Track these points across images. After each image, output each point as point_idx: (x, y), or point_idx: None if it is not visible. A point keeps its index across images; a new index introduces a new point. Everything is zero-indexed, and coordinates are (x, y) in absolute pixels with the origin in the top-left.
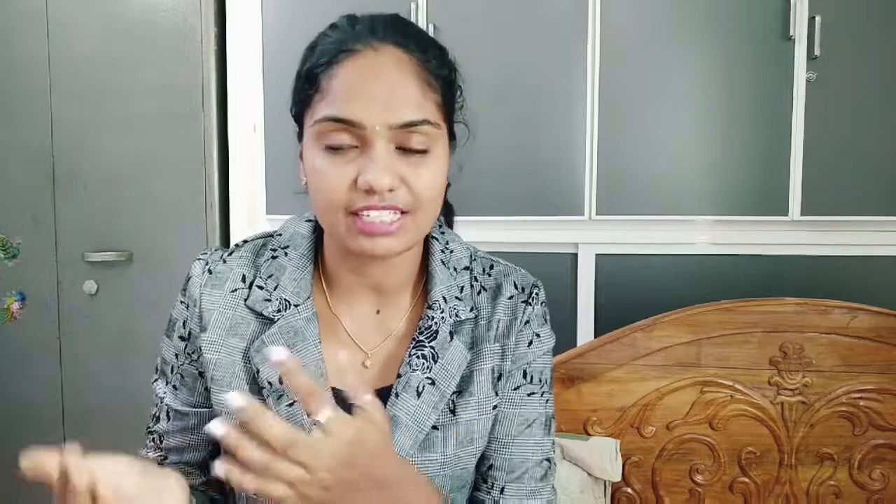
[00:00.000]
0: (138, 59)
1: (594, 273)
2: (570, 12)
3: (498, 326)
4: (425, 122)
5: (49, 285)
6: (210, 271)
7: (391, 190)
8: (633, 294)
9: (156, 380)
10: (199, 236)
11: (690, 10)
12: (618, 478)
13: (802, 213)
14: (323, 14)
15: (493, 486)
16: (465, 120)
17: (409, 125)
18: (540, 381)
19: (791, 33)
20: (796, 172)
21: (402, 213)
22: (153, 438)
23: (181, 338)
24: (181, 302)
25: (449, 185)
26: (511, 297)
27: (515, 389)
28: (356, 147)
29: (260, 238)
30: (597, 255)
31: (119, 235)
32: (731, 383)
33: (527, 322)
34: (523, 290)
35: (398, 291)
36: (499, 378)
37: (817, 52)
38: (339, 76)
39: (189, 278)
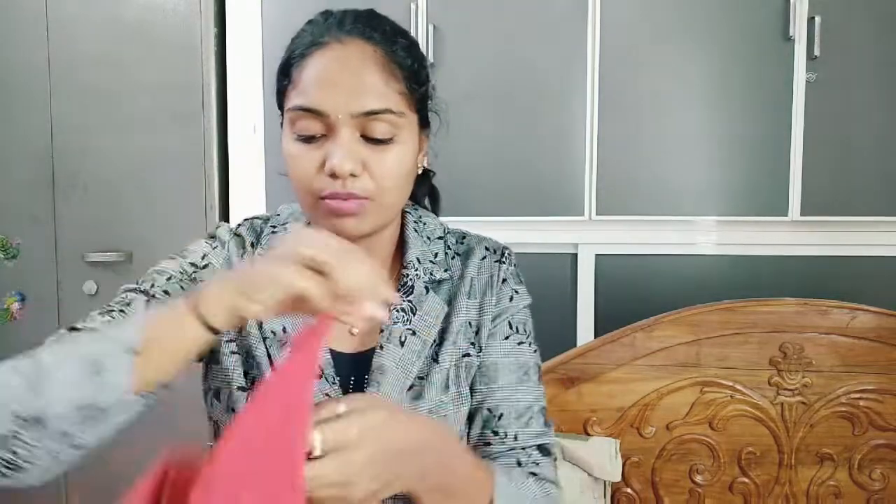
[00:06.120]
0: (138, 59)
1: (594, 273)
2: (570, 13)
3: (472, 284)
4: (387, 111)
5: (49, 285)
6: (230, 232)
7: (354, 175)
8: (633, 294)
9: (130, 290)
10: (198, 236)
11: (690, 10)
12: (617, 478)
13: (802, 213)
14: None
15: (505, 436)
16: (437, 109)
17: (371, 113)
18: (525, 331)
19: (791, 33)
20: (796, 172)
21: (364, 199)
22: (133, 291)
23: (193, 264)
24: (207, 242)
25: (433, 172)
26: (484, 258)
27: (506, 339)
28: (325, 135)
29: (258, 218)
30: (597, 255)
31: (119, 235)
32: (731, 383)
33: (504, 280)
34: (495, 251)
35: (380, 265)
36: (476, 332)
37: (817, 52)
38: (307, 68)
39: (218, 227)
